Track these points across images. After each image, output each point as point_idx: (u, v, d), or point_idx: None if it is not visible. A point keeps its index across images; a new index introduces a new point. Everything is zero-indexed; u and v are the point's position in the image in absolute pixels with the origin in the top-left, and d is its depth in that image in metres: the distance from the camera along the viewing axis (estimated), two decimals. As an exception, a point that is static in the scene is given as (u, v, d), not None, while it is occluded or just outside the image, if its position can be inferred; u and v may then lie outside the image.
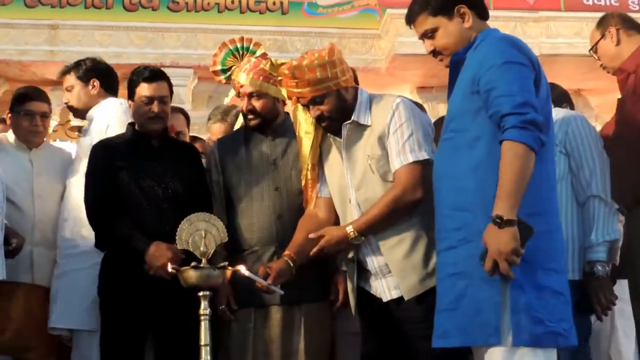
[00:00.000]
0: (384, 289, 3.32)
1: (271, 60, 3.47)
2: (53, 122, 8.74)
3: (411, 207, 3.25)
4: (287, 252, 3.36)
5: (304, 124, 3.46)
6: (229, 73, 3.81)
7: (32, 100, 4.15)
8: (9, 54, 7.90)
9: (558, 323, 2.73)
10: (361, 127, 3.34)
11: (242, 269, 3.16)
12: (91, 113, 4.19)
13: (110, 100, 4.16)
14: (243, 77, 3.63)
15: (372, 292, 3.37)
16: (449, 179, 2.90)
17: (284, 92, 3.55)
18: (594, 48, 3.86)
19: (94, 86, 4.19)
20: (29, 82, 8.49)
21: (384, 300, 3.32)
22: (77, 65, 4.24)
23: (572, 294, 2.87)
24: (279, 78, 3.47)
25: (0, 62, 7.94)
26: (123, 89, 8.89)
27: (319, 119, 3.33)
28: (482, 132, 2.83)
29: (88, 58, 4.33)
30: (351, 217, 3.35)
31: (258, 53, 3.73)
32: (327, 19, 8.43)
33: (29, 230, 3.94)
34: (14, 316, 3.93)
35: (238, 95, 3.71)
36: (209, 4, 8.56)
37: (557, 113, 3.57)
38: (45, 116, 4.19)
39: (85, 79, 4.19)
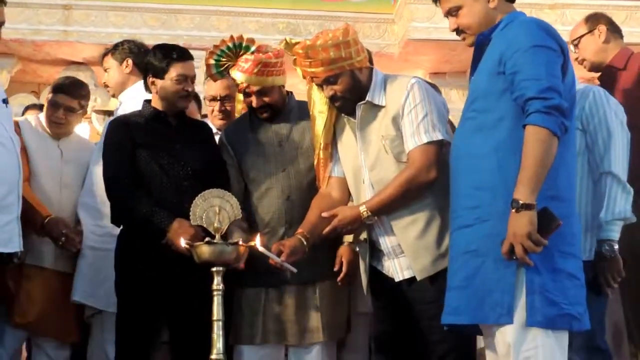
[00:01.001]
0: (397, 269, 3.32)
1: (286, 40, 3.47)
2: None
3: (424, 188, 3.25)
4: (300, 230, 3.38)
5: (318, 103, 3.47)
6: (225, 73, 3.76)
7: (61, 92, 4.20)
8: (22, 33, 7.88)
9: (573, 306, 2.74)
10: (375, 108, 3.34)
11: (257, 243, 3.18)
12: (122, 96, 4.34)
13: (138, 87, 4.19)
14: (244, 77, 3.61)
15: (384, 272, 3.38)
16: (469, 158, 2.90)
17: (285, 77, 3.62)
18: (577, 41, 3.96)
19: (127, 65, 4.37)
20: (41, 62, 8.54)
21: (396, 280, 3.33)
22: (115, 46, 4.47)
23: (585, 275, 2.87)
24: (279, 67, 3.57)
25: (13, 42, 7.93)
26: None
27: (332, 99, 3.34)
28: (505, 113, 2.83)
29: (126, 40, 4.55)
30: (364, 198, 3.36)
31: (252, 49, 3.68)
32: (341, 2, 8.39)
33: None
34: (37, 299, 4.00)
35: (242, 93, 3.71)
36: (222, -14, 8.54)
37: (577, 87, 3.57)
38: (71, 110, 4.22)
39: (120, 59, 4.39)
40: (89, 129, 7.99)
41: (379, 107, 3.35)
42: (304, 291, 3.57)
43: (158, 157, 3.58)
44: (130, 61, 4.39)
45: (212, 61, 3.71)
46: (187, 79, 3.65)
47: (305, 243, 3.34)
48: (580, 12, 7.69)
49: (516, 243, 2.65)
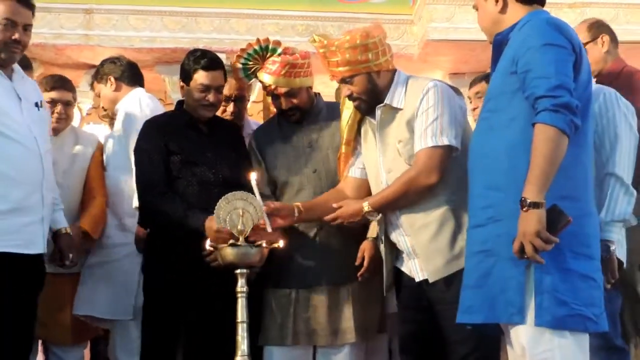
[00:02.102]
0: (417, 269, 3.34)
1: (314, 37, 3.49)
2: (87, 106, 8.83)
3: (423, 191, 3.26)
4: (298, 203, 3.43)
5: (346, 99, 3.50)
6: (252, 76, 3.80)
7: (56, 89, 4.29)
8: (44, 37, 7.93)
9: (586, 307, 2.73)
10: (394, 110, 3.36)
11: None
12: (118, 105, 4.44)
13: (130, 95, 4.39)
14: (272, 78, 3.64)
15: (406, 272, 3.40)
16: (482, 158, 2.92)
17: (312, 78, 3.67)
18: None
19: (111, 83, 4.46)
20: (63, 66, 8.59)
21: (417, 280, 3.34)
22: (96, 72, 4.59)
23: None
24: (306, 68, 3.63)
25: (35, 46, 7.96)
26: (155, 72, 8.99)
27: (349, 98, 3.38)
28: (518, 113, 2.83)
29: (104, 60, 4.64)
30: None
31: (279, 51, 3.72)
32: (359, 4, 8.39)
33: None
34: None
35: (270, 96, 3.73)
36: (242, -11, 8.57)
37: None
38: (69, 104, 4.33)
39: (104, 81, 4.50)
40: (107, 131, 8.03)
41: (397, 110, 3.36)
42: (335, 292, 3.59)
43: (189, 165, 3.61)
44: (112, 78, 4.49)
45: (239, 65, 3.74)
46: (210, 89, 3.65)
47: (296, 213, 3.40)
48: (599, 11, 7.69)
49: (526, 242, 2.65)
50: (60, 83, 4.38)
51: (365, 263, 3.57)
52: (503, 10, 3.01)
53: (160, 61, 8.46)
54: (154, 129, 3.71)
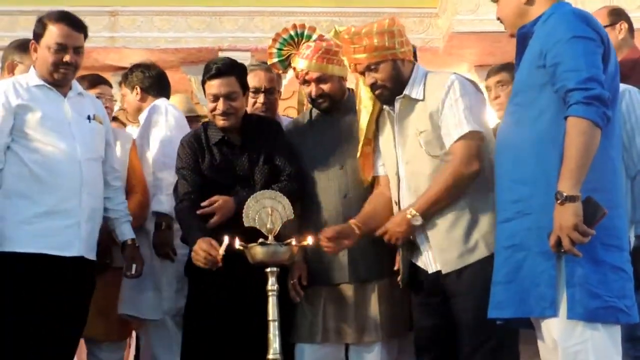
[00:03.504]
0: (430, 261, 3.35)
1: (335, 28, 3.50)
2: (115, 107, 8.88)
3: (468, 182, 3.25)
4: (353, 220, 3.42)
5: (364, 98, 3.50)
6: (287, 63, 3.81)
7: (102, 84, 4.46)
8: (70, 40, 8.01)
9: (618, 299, 2.70)
10: (413, 102, 3.37)
11: (309, 242, 3.22)
12: (140, 117, 4.56)
13: (153, 107, 4.47)
14: (305, 63, 3.64)
15: (421, 265, 3.39)
16: (510, 151, 2.90)
17: (345, 69, 3.61)
18: None
19: (137, 93, 4.56)
20: (89, 69, 8.60)
21: (429, 272, 3.35)
22: (125, 76, 4.67)
23: None
24: (341, 56, 3.53)
25: (62, 49, 8.05)
26: (181, 73, 9.00)
27: (372, 87, 3.37)
28: (546, 106, 2.81)
29: (135, 66, 4.72)
30: (396, 190, 3.42)
31: (314, 37, 3.73)
32: (383, -2, 8.38)
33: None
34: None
35: (302, 83, 3.73)
36: (265, -14, 8.59)
37: None
38: (110, 99, 4.49)
39: (130, 87, 4.60)
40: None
41: (416, 101, 3.37)
42: (362, 289, 3.58)
43: (224, 179, 3.63)
44: (138, 89, 4.56)
45: (274, 50, 3.76)
46: (219, 98, 3.62)
47: (356, 231, 3.38)
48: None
49: (563, 235, 2.63)
50: (100, 79, 4.56)
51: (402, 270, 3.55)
52: (529, 1, 2.98)
53: (185, 61, 8.50)
54: (190, 144, 3.72)
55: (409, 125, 3.37)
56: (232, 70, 3.67)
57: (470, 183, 3.25)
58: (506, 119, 3.01)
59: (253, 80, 4.10)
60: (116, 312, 4.17)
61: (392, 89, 3.36)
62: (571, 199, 2.61)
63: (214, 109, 3.63)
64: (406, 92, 3.36)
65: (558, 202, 2.63)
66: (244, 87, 3.72)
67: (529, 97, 2.88)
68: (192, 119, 5.19)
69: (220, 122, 3.65)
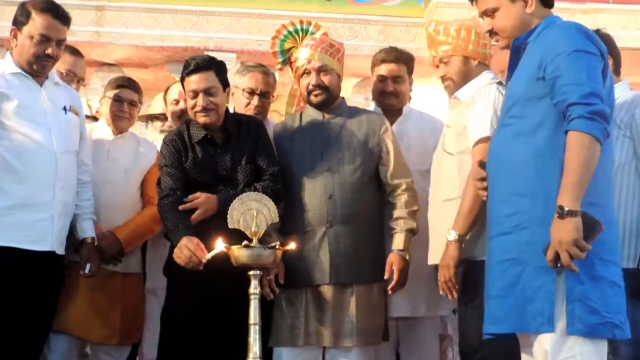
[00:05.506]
0: None
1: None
2: (97, 104, 8.82)
3: None
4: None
5: None
6: (286, 56, 3.82)
7: (124, 87, 4.25)
8: (55, 34, 7.96)
9: (614, 315, 2.69)
10: (459, 103, 3.55)
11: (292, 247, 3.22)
12: None
13: None
14: (308, 52, 3.69)
15: None
16: (507, 164, 2.87)
17: (342, 70, 3.75)
18: None
19: None
20: (74, 63, 8.59)
21: None
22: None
23: (628, 283, 2.85)
24: (341, 55, 3.73)
25: (47, 43, 7.99)
26: (166, 71, 8.94)
27: (443, 79, 3.63)
28: (545, 119, 2.79)
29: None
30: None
31: (318, 35, 3.78)
32: (371, 6, 8.40)
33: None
34: (77, 302, 3.94)
35: (302, 74, 3.73)
36: (253, -12, 8.58)
37: (625, 95, 3.55)
38: (133, 104, 4.26)
39: None
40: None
41: (461, 102, 3.54)
42: (341, 292, 3.54)
43: (206, 177, 3.58)
44: None
45: (277, 41, 3.80)
46: (198, 93, 3.56)
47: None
48: (612, 17, 7.69)
49: (562, 250, 2.60)
50: (127, 82, 4.36)
51: (395, 276, 3.53)
52: (533, 12, 2.97)
53: (171, 60, 8.47)
54: (172, 143, 3.64)
55: (450, 124, 3.66)
56: (211, 65, 3.60)
57: None
58: (501, 131, 2.97)
59: (250, 81, 4.09)
60: (117, 315, 4.10)
61: (457, 84, 3.64)
62: (572, 213, 2.60)
63: (194, 106, 3.57)
64: (456, 94, 3.61)
65: (558, 216, 2.62)
66: (224, 83, 3.64)
67: (526, 109, 2.84)
68: None
69: (201, 118, 3.58)
